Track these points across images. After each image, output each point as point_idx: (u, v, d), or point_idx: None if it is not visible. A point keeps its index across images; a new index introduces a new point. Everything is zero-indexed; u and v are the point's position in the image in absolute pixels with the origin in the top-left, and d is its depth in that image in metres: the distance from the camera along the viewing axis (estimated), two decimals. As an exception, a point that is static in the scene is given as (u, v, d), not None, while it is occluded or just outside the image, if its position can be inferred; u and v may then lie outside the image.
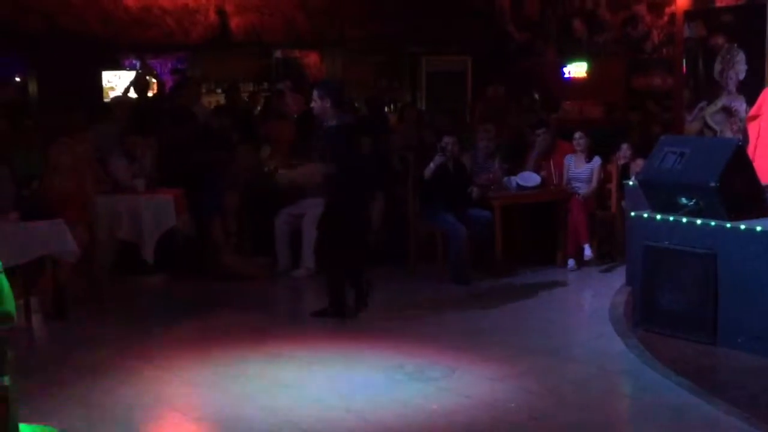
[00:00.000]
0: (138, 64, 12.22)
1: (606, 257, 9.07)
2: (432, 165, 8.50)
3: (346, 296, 7.21)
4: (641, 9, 11.75)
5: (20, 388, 4.23)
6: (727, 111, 10.42)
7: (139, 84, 10.68)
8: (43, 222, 7.15)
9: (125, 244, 8.54)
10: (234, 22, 11.81)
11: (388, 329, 6.86)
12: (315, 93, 7.15)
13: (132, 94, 10.63)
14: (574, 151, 9.40)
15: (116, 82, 11.59)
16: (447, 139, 8.66)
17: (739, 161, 6.38)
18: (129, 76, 11.36)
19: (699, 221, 6.32)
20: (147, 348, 6.49)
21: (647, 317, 6.59)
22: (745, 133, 8.08)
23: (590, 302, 8.03)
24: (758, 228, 6.05)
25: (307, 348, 6.43)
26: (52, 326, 7.20)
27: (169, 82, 12.27)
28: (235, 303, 7.93)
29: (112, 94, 11.34)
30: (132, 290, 8.35)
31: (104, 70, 11.57)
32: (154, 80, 11.67)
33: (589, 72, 12.28)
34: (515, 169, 9.45)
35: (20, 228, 7.10)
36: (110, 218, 8.39)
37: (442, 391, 5.51)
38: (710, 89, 10.55)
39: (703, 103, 10.63)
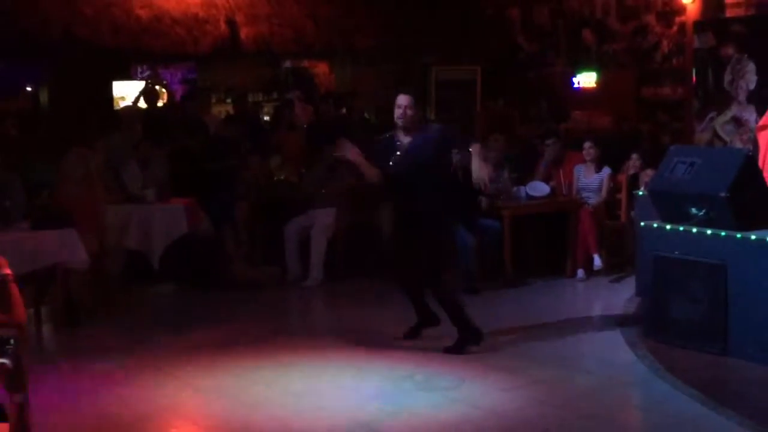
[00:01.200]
0: (148, 74, 12.29)
1: (616, 267, 9.05)
2: None
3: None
4: (651, 19, 11.74)
5: (30, 398, 4.24)
6: (737, 121, 10.40)
7: (149, 94, 10.73)
8: (53, 231, 7.19)
9: (136, 253, 8.56)
10: (244, 32, 11.85)
11: (397, 339, 6.86)
12: (410, 101, 6.47)
13: (142, 103, 10.68)
14: (583, 161, 9.40)
15: (127, 91, 11.65)
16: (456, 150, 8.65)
17: (749, 171, 6.37)
18: (139, 86, 11.42)
19: (709, 231, 6.31)
20: (157, 356, 6.50)
21: (657, 328, 6.57)
22: (755, 143, 8.06)
23: (600, 312, 8.02)
24: (768, 238, 6.04)
25: (316, 358, 6.43)
26: (62, 335, 7.21)
27: (179, 92, 12.34)
28: (245, 312, 7.94)
29: (122, 104, 11.39)
30: (142, 299, 8.37)
31: (115, 80, 11.63)
32: (164, 90, 11.73)
33: (598, 82, 12.28)
34: (524, 178, 9.45)
35: (31, 236, 7.14)
36: (120, 227, 8.41)
37: (451, 401, 5.51)
38: (720, 99, 10.54)
39: (713, 114, 10.61)
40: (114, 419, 5.30)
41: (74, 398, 5.63)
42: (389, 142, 6.56)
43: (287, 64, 13.63)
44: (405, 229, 6.58)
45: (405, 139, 6.48)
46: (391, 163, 6.44)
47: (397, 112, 6.43)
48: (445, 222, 6.70)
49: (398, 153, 6.45)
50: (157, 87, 11.26)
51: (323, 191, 9.10)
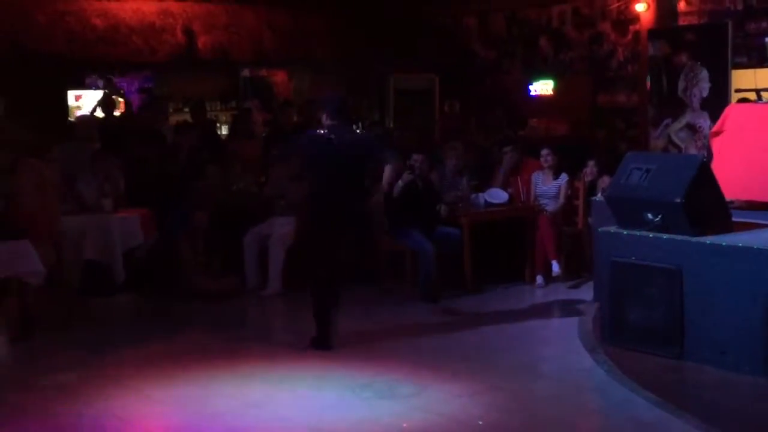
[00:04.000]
0: (103, 83, 12.18)
1: (574, 273, 9.12)
2: (400, 182, 8.51)
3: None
4: (606, 27, 11.89)
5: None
6: (692, 128, 10.55)
7: (106, 103, 10.63)
8: (8, 242, 7.08)
9: (91, 263, 8.47)
10: (201, 41, 11.80)
11: (356, 348, 6.84)
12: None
13: (99, 113, 10.57)
14: (541, 168, 9.46)
15: (82, 101, 11.53)
16: (416, 157, 8.68)
17: (704, 177, 6.45)
18: (95, 95, 11.31)
19: (665, 237, 6.38)
20: (114, 368, 6.43)
21: (615, 333, 6.62)
22: (709, 149, 8.18)
23: (559, 318, 8.07)
24: (723, 243, 6.11)
25: (275, 367, 6.39)
26: (17, 348, 7.10)
27: (136, 101, 12.24)
28: (203, 322, 7.89)
29: (78, 114, 11.28)
30: (99, 310, 8.26)
31: (70, 89, 11.52)
32: (121, 99, 11.63)
33: (555, 89, 12.39)
34: (483, 186, 9.50)
35: (-15, 249, 7.03)
36: (77, 238, 8.32)
37: (412, 409, 5.50)
38: (674, 106, 10.68)
39: (667, 120, 10.76)
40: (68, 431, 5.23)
41: (29, 411, 5.53)
42: None
43: (245, 72, 13.58)
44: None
45: None
46: None
47: None
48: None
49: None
50: (113, 96, 11.16)
51: (282, 200, 9.07)
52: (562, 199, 9.28)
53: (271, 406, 5.59)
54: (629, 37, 11.63)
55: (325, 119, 6.98)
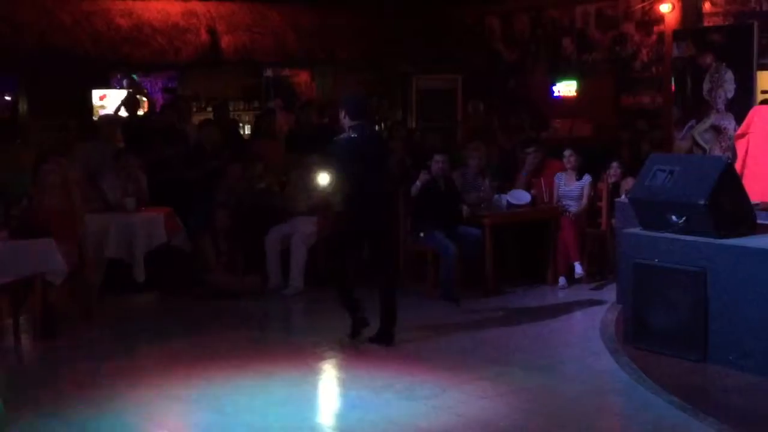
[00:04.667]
0: (127, 83, 12.25)
1: (596, 275, 9.08)
2: (418, 183, 8.52)
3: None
4: (630, 28, 11.83)
5: (7, 409, 4.20)
6: (716, 129, 10.47)
7: (129, 103, 10.69)
8: (32, 241, 7.14)
9: (114, 262, 8.52)
10: (224, 41, 11.84)
11: (377, 348, 6.84)
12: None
13: (123, 112, 10.63)
14: (564, 169, 9.42)
15: (107, 100, 11.60)
16: (438, 158, 8.68)
17: (729, 179, 6.40)
18: (119, 94, 11.38)
19: (689, 238, 6.33)
20: (136, 367, 6.46)
21: (638, 335, 6.59)
22: (733, 151, 8.12)
23: (581, 320, 8.02)
24: (748, 245, 6.06)
25: (297, 367, 6.39)
26: (40, 346, 7.16)
27: (159, 101, 12.30)
28: (226, 321, 7.91)
29: (102, 113, 11.35)
30: (121, 309, 8.30)
31: (95, 88, 11.59)
32: (144, 99, 11.69)
33: (578, 90, 12.34)
34: (505, 187, 9.47)
35: (9, 247, 7.08)
36: (100, 237, 8.37)
37: (432, 409, 5.49)
38: (699, 108, 10.61)
39: (692, 122, 10.68)
40: (91, 430, 5.24)
41: (51, 408, 5.57)
42: None
43: (268, 72, 13.62)
44: None
45: None
46: None
47: None
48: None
49: None
50: (137, 96, 11.22)
51: (305, 200, 9.08)
52: (584, 201, 9.24)
53: (293, 405, 5.60)
54: (653, 37, 11.57)
55: (344, 119, 6.98)
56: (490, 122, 11.95)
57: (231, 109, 12.29)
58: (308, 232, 8.88)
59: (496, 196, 9.16)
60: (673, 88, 10.93)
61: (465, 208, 8.69)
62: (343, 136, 7.00)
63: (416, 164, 9.68)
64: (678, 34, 10.95)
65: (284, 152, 10.37)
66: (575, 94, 12.38)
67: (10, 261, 6.99)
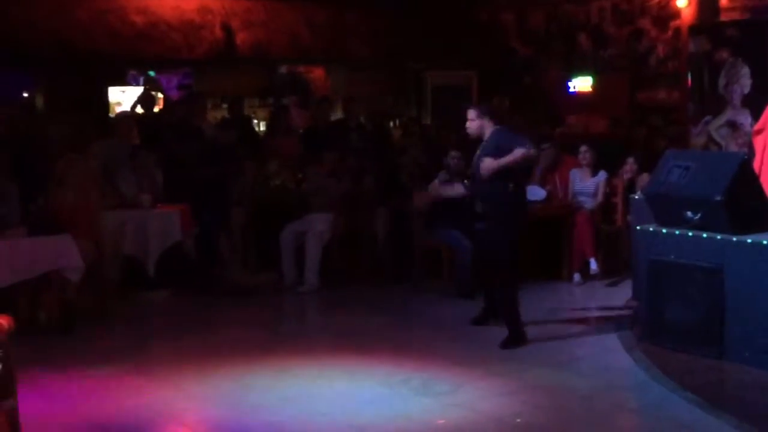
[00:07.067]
0: (143, 80, 12.28)
1: (612, 271, 9.06)
2: (437, 182, 8.54)
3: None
4: (646, 23, 11.77)
5: (22, 405, 4.23)
6: (732, 125, 10.42)
7: (145, 99, 10.72)
8: (50, 237, 7.18)
9: (132, 259, 8.55)
10: (239, 38, 11.85)
11: (393, 344, 6.85)
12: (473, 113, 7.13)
13: (139, 109, 10.66)
14: (579, 166, 9.40)
15: (123, 97, 11.64)
16: (454, 154, 8.68)
17: (745, 175, 6.38)
18: (135, 91, 11.41)
19: (705, 235, 6.31)
20: (153, 363, 6.49)
21: (654, 331, 6.57)
22: (750, 147, 8.07)
23: (596, 316, 8.01)
24: (764, 241, 6.04)
25: (312, 363, 6.41)
26: (57, 341, 7.20)
27: (175, 98, 12.32)
28: (241, 318, 7.93)
29: (118, 110, 11.38)
30: (138, 306, 8.35)
31: (111, 85, 11.62)
32: (160, 95, 11.71)
33: (594, 86, 12.29)
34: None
35: (27, 243, 7.12)
36: (116, 233, 8.40)
37: (447, 406, 5.50)
38: (715, 103, 10.55)
39: (708, 118, 10.63)
40: (107, 426, 5.28)
41: (68, 405, 5.60)
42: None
43: (283, 69, 13.62)
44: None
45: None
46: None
47: None
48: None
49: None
50: (153, 93, 11.24)
51: (320, 197, 9.10)
52: (600, 197, 9.22)
53: (308, 401, 5.62)
54: (670, 33, 11.50)
55: (487, 123, 7.02)
56: (512, 119, 11.89)
57: (246, 105, 12.29)
58: (323, 230, 8.90)
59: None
60: (689, 83, 10.88)
61: (478, 203, 8.67)
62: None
63: (432, 160, 9.69)
64: (694, 30, 10.89)
65: (301, 149, 10.37)
66: (591, 89, 12.33)
67: (29, 257, 7.04)
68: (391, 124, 12.28)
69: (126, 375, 6.19)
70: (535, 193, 9.22)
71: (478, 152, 7.01)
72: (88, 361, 6.52)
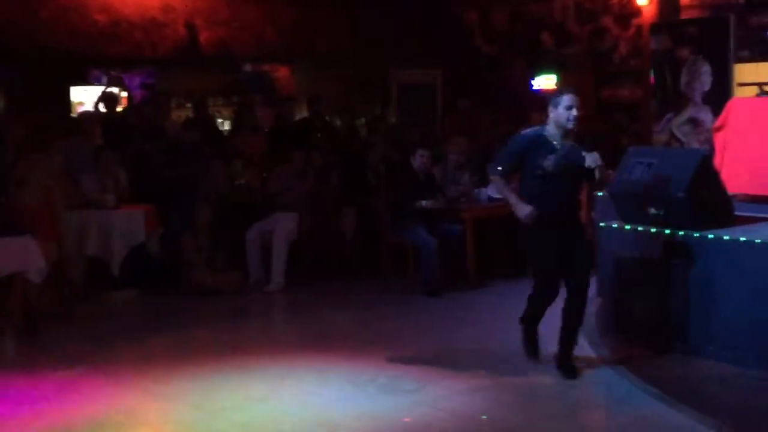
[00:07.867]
0: (105, 79, 12.17)
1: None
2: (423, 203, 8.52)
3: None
4: (608, 21, 11.87)
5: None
6: (694, 122, 10.53)
7: (108, 99, 10.63)
8: (11, 239, 7.09)
9: (95, 259, 8.48)
10: (203, 36, 11.79)
11: (360, 342, 6.85)
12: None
13: (101, 108, 10.57)
14: (543, 163, 9.43)
15: (85, 96, 11.53)
16: (422, 152, 8.69)
17: (706, 171, 6.45)
18: (98, 91, 11.31)
19: (667, 231, 6.37)
20: (118, 364, 6.44)
21: (618, 327, 6.63)
22: (711, 143, 8.17)
23: (562, 313, 8.04)
24: (726, 237, 6.11)
25: (279, 362, 6.40)
26: (20, 343, 7.12)
27: (138, 97, 12.23)
28: (207, 318, 7.90)
29: (80, 109, 11.28)
30: (102, 306, 8.28)
31: (73, 84, 11.51)
32: (124, 94, 11.62)
33: (557, 84, 12.37)
34: (486, 180, 9.47)
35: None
36: (80, 234, 8.33)
37: (415, 404, 5.51)
38: (677, 100, 10.66)
39: (670, 115, 10.74)
40: (72, 428, 5.23)
41: (32, 408, 5.55)
42: (542, 140, 6.04)
43: (247, 68, 13.57)
44: (557, 231, 6.03)
45: (560, 142, 5.99)
46: (547, 162, 5.93)
47: (570, 114, 5.94)
48: None
49: (556, 154, 5.94)
50: (116, 91, 11.14)
51: (286, 196, 9.07)
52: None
53: (275, 401, 5.60)
54: (632, 31, 11.61)
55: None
56: (476, 119, 11.94)
57: (210, 104, 12.24)
58: (289, 229, 8.88)
59: (477, 190, 9.18)
60: (651, 81, 10.99)
61: (440, 197, 8.69)
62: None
63: (397, 158, 9.71)
64: (655, 28, 11.00)
65: (267, 148, 10.34)
66: (555, 87, 12.40)
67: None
68: (357, 122, 12.27)
69: (91, 377, 6.13)
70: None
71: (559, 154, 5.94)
72: (52, 364, 6.46)
